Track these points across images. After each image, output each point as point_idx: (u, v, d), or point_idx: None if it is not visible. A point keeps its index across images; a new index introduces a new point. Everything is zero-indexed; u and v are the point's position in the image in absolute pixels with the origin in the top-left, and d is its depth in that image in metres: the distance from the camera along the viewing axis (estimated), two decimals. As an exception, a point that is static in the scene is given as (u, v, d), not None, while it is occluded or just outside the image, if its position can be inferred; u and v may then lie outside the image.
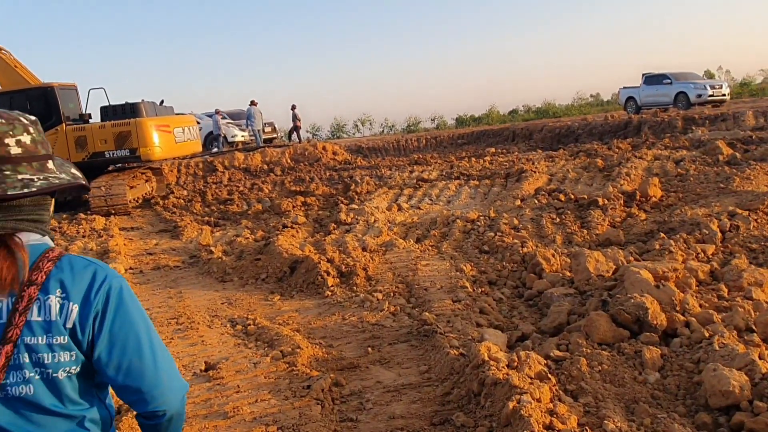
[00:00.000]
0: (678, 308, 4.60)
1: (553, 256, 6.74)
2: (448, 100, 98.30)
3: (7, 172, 1.35)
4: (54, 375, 1.35)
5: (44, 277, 1.34)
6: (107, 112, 15.15)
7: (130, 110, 15.05)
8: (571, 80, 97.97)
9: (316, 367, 4.71)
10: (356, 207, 10.85)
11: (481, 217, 9.38)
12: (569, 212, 9.14)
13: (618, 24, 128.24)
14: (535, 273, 6.52)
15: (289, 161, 20.40)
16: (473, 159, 17.59)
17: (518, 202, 10.32)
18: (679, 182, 10.81)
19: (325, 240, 9.00)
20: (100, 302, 1.39)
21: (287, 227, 10.07)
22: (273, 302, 6.73)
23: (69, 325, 1.35)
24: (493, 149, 20.63)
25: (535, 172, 12.82)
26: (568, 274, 6.35)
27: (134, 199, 15.17)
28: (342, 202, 12.27)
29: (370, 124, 37.96)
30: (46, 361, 1.33)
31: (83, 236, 11.83)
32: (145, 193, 15.98)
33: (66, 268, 1.38)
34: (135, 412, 1.51)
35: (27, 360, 1.32)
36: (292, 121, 24.59)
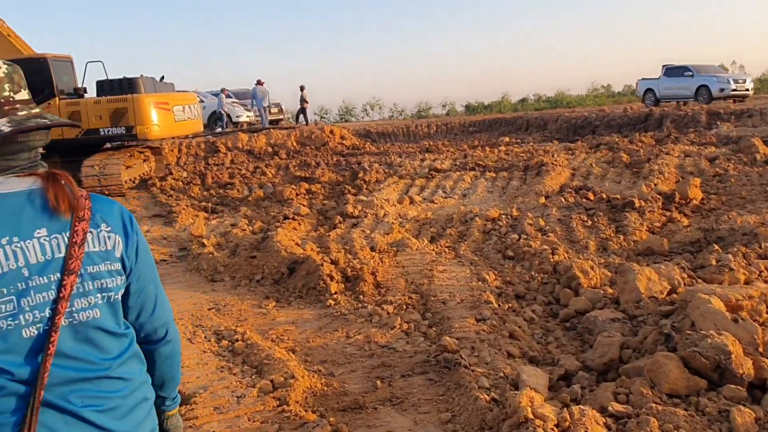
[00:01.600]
0: (761, 350, 3.72)
1: (592, 268, 5.84)
2: (459, 86, 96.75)
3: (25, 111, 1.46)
4: (115, 298, 1.49)
5: (89, 213, 1.45)
6: (103, 87, 14.28)
7: (127, 85, 14.17)
8: (581, 70, 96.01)
9: (313, 405, 3.84)
10: (364, 198, 9.94)
11: (503, 216, 8.47)
12: (601, 214, 8.21)
13: (628, 15, 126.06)
14: (571, 288, 5.64)
15: (294, 144, 19.49)
16: (487, 148, 16.67)
17: (542, 200, 9.39)
18: (718, 183, 9.87)
19: (329, 236, 8.12)
20: (133, 234, 1.56)
21: (288, 218, 9.19)
22: (267, 310, 5.86)
23: (118, 254, 1.50)
24: (507, 138, 19.66)
25: (555, 165, 11.88)
26: (610, 290, 5.46)
27: (130, 180, 14.33)
28: (349, 192, 11.39)
29: (380, 108, 36.89)
30: (108, 285, 1.46)
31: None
32: (143, 174, 15.12)
33: (99, 203, 1.51)
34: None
35: (92, 287, 1.43)
36: (300, 102, 23.63)
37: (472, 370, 4.02)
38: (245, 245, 7.77)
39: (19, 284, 1.33)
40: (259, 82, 22.01)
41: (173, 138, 16.86)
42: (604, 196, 8.97)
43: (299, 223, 8.95)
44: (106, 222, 1.49)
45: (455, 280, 6.15)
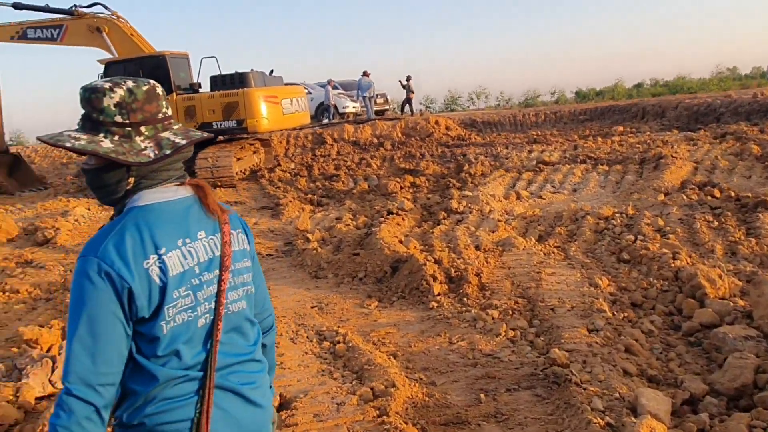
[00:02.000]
0: None
1: (720, 276, 5.34)
2: (569, 72, 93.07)
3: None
4: (251, 291, 1.70)
5: (227, 217, 1.66)
6: (216, 81, 14.80)
7: (238, 80, 14.61)
8: (703, 52, 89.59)
9: (413, 417, 3.71)
10: (469, 194, 9.69)
11: (617, 214, 7.96)
12: (729, 214, 7.53)
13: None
14: (695, 298, 5.17)
15: (399, 135, 19.43)
16: (599, 138, 15.86)
17: (661, 197, 8.76)
18: None
19: (433, 233, 7.96)
20: (251, 235, 1.79)
21: (392, 213, 9.12)
22: (369, 310, 5.80)
23: (249, 252, 1.74)
24: (621, 128, 18.61)
25: (676, 158, 11.07)
26: (741, 303, 4.96)
27: (241, 171, 14.81)
28: (453, 186, 11.17)
29: (486, 97, 36.14)
30: (246, 280, 1.68)
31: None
32: (253, 165, 15.60)
33: (226, 208, 1.70)
34: None
35: (238, 281, 1.64)
36: (406, 92, 23.53)
37: (584, 389, 3.75)
38: (349, 241, 7.77)
39: (193, 280, 1.52)
40: (365, 74, 22.12)
41: (282, 130, 17.24)
42: (732, 194, 8.23)
43: (403, 219, 8.85)
44: (237, 224, 1.71)
45: (565, 285, 5.82)
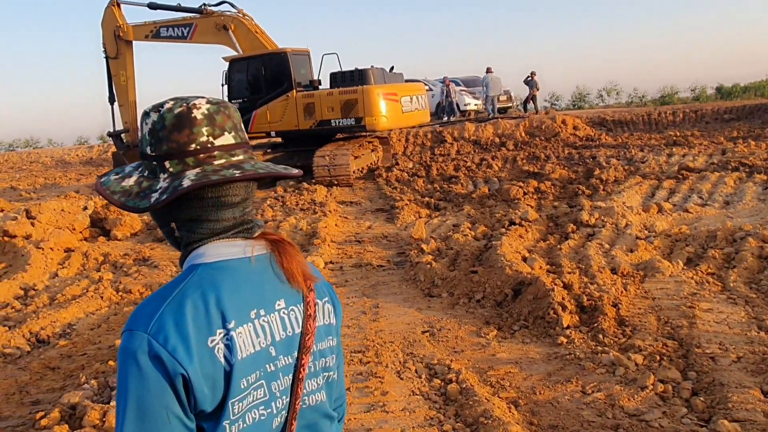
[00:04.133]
0: None
1: None
2: (709, 67, 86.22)
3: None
4: (333, 378, 1.33)
5: (313, 284, 1.28)
6: (336, 78, 14.60)
7: (358, 77, 14.32)
8: None
9: (540, 498, 3.03)
10: (602, 205, 8.70)
11: (786, 236, 6.75)
12: None
13: None
14: None
15: (523, 135, 18.43)
16: (751, 141, 14.11)
17: (840, 216, 7.39)
18: None
19: (560, 249, 7.12)
20: (339, 303, 1.39)
21: (515, 224, 8.34)
22: (488, 341, 5.12)
23: (335, 328, 1.35)
24: (777, 129, 16.53)
25: None
26: None
27: (358, 170, 14.52)
28: (583, 193, 10.19)
29: (617, 93, 33.85)
30: (329, 364, 1.31)
31: (301, 209, 11.32)
32: (371, 163, 15.29)
33: (313, 274, 1.31)
34: None
35: (318, 366, 1.27)
36: (530, 89, 22.39)
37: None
38: (466, 255, 7.10)
39: (268, 366, 1.17)
40: (488, 70, 21.24)
41: (400, 128, 16.83)
42: None
43: (526, 230, 8.06)
44: (323, 292, 1.33)
45: (726, 326, 4.85)
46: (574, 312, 5.29)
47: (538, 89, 22.64)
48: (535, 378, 4.41)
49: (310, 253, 7.88)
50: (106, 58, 16.85)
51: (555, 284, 5.69)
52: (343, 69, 14.78)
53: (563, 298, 5.42)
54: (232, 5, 15.52)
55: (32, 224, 9.64)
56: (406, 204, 10.85)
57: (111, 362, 4.82)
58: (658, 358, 4.44)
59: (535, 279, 5.80)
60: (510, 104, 25.20)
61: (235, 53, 15.12)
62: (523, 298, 5.68)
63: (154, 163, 1.18)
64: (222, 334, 1.10)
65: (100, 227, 10.84)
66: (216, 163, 1.18)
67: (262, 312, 1.18)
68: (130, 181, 1.19)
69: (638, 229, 7.67)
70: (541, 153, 15.50)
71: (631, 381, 4.18)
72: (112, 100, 17.14)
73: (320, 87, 14.75)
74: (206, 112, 1.19)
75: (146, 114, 1.21)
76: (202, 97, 1.22)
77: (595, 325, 5.06)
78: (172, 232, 1.23)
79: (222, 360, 1.09)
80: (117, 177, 1.22)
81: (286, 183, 13.78)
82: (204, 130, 1.18)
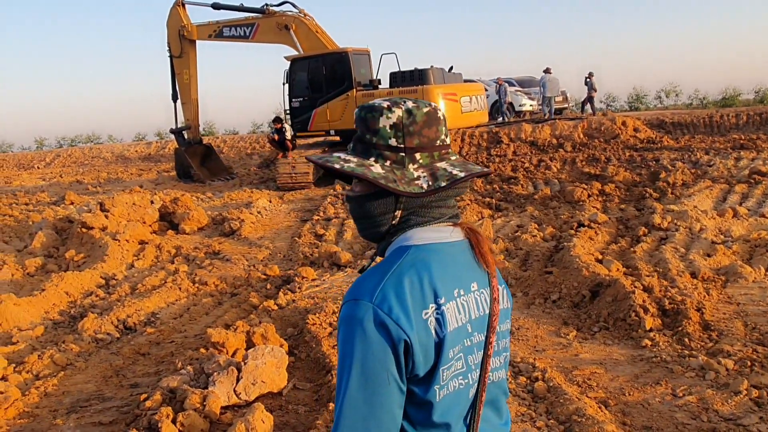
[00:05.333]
0: None
1: None
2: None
3: None
4: (509, 358, 1.43)
5: (495, 269, 1.38)
6: (396, 78, 14.70)
7: (418, 77, 14.40)
8: None
9: (645, 497, 3.03)
10: (675, 208, 8.55)
11: None
12: None
13: None
14: None
15: (581, 136, 18.16)
16: (824, 145, 13.63)
17: None
18: None
19: (634, 252, 7.04)
20: (510, 295, 1.45)
21: (584, 226, 8.28)
22: (568, 340, 5.12)
23: (511, 312, 1.45)
24: None
25: None
26: None
27: (415, 170, 14.57)
28: (650, 196, 10.02)
29: (676, 95, 33.02)
30: (507, 345, 1.41)
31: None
32: (428, 163, 15.31)
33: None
34: None
35: (500, 346, 1.37)
36: (588, 90, 22.07)
37: None
38: (537, 255, 7.09)
39: (466, 341, 1.28)
40: (547, 70, 21.02)
41: (458, 129, 16.83)
42: None
43: (596, 233, 7.98)
44: (501, 279, 1.42)
45: (818, 333, 4.74)
46: (656, 315, 5.24)
47: (596, 90, 22.30)
48: (622, 379, 4.39)
49: (379, 250, 7.97)
50: (171, 56, 17.33)
51: (635, 287, 5.64)
52: (402, 69, 14.88)
53: (644, 301, 5.37)
54: (294, 5, 15.78)
55: (106, 216, 10.00)
56: (468, 204, 10.85)
57: (203, 350, 4.99)
58: (749, 363, 4.37)
59: (613, 281, 5.76)
60: (566, 105, 24.87)
61: (296, 53, 15.37)
62: (602, 299, 5.65)
63: (401, 154, 1.29)
64: (434, 309, 1.22)
65: (168, 221, 11.16)
66: (452, 158, 1.33)
67: (462, 292, 1.28)
68: (378, 169, 1.28)
69: (713, 234, 7.52)
70: (601, 155, 15.26)
71: (723, 386, 4.13)
72: (175, 98, 17.63)
73: (380, 86, 14.87)
74: (443, 114, 1.35)
75: (385, 108, 1.30)
76: (423, 101, 1.35)
77: (680, 328, 5.00)
78: (391, 219, 1.31)
79: (432, 331, 1.21)
80: (354, 164, 1.29)
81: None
82: (443, 129, 1.33)
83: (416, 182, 1.27)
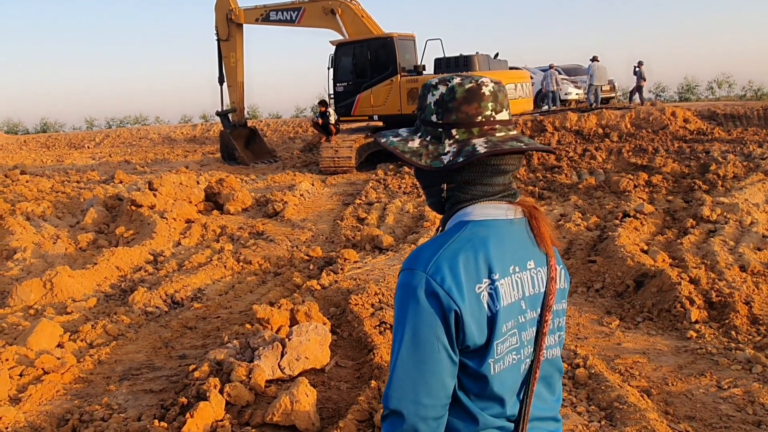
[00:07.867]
0: None
1: None
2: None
3: None
4: (563, 337, 1.44)
5: (553, 249, 1.39)
6: (441, 64, 14.63)
7: (463, 63, 14.31)
8: None
9: (687, 485, 3.03)
10: (725, 200, 8.35)
11: None
12: None
13: None
14: None
15: (628, 126, 17.80)
16: None
17: None
18: None
19: (681, 243, 6.92)
20: (568, 273, 1.48)
21: (629, 216, 8.16)
22: (611, 330, 5.09)
23: (568, 293, 1.46)
24: None
25: None
26: None
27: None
28: (699, 188, 9.81)
29: (729, 86, 32.04)
30: (562, 324, 1.43)
31: (404, 192, 11.50)
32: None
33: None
34: None
35: (555, 325, 1.39)
36: (637, 79, 21.59)
37: None
38: (581, 244, 7.04)
39: (520, 317, 1.31)
40: (594, 59, 20.63)
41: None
42: None
43: (641, 223, 7.87)
44: (559, 259, 1.43)
45: None
46: (702, 307, 5.17)
47: (645, 80, 21.81)
48: (666, 369, 4.36)
49: (421, 235, 8.02)
50: (218, 40, 17.58)
51: (681, 278, 5.56)
52: (447, 55, 14.80)
53: (690, 293, 5.30)
54: (339, -11, 15.82)
55: (154, 195, 10.26)
56: (510, 191, 10.78)
57: (248, 325, 5.12)
58: (798, 358, 4.29)
59: (659, 272, 5.69)
60: (613, 94, 24.38)
61: (342, 37, 15.42)
62: (646, 290, 5.59)
63: (440, 129, 1.34)
64: (487, 284, 1.26)
65: (213, 201, 11.39)
66: (498, 135, 1.33)
67: (517, 269, 1.31)
68: (415, 144, 1.35)
69: (765, 228, 7.34)
70: (649, 146, 14.94)
71: (770, 380, 4.07)
72: (221, 81, 17.89)
73: (424, 72, 14.83)
74: (492, 89, 1.34)
75: (433, 86, 1.36)
76: (485, 77, 1.36)
77: (726, 321, 4.93)
78: (440, 192, 1.37)
79: (485, 305, 1.25)
80: (399, 139, 1.39)
81: (386, 167, 13.95)
82: (489, 105, 1.33)
83: (441, 157, 1.31)
